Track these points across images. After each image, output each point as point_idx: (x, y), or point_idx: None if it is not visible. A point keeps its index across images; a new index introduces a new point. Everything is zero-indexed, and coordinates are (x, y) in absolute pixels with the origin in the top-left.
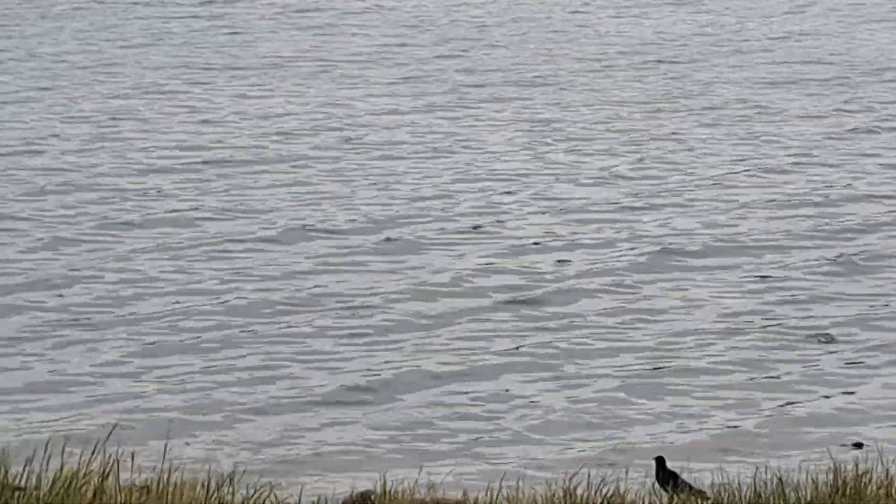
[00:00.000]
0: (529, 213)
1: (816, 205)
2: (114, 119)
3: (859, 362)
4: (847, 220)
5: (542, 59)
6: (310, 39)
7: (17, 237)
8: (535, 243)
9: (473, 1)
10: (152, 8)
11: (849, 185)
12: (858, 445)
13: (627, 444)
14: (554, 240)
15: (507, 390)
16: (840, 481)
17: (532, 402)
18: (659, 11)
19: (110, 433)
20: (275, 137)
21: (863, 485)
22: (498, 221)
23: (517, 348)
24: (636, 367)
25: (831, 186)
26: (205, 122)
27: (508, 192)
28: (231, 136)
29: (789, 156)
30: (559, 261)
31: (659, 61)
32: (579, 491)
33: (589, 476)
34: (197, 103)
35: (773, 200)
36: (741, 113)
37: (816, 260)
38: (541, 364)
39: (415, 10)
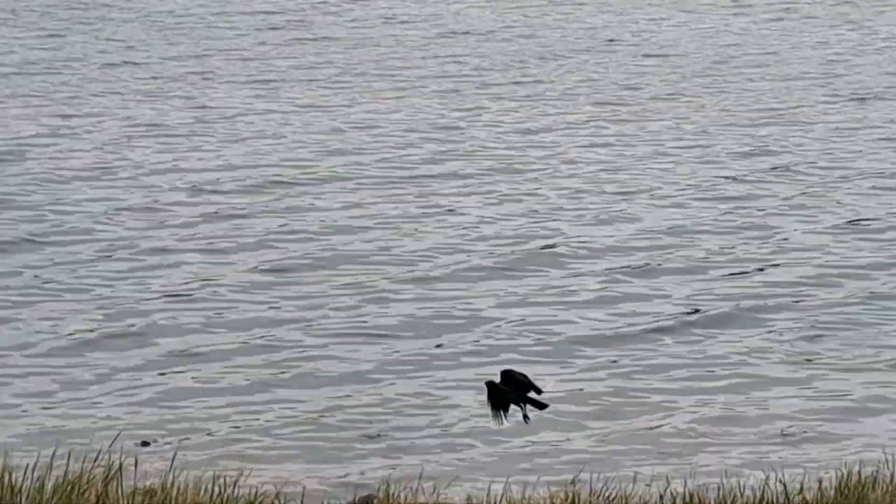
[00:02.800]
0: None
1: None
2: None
3: (865, 365)
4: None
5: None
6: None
7: (43, 235)
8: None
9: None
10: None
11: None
12: None
13: (631, 448)
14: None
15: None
16: (844, 486)
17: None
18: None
19: (115, 438)
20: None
21: (868, 489)
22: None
23: (516, 358)
24: (638, 372)
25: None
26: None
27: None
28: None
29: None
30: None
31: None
32: (582, 495)
33: (592, 479)
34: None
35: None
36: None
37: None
38: (542, 369)
39: (459, 17)
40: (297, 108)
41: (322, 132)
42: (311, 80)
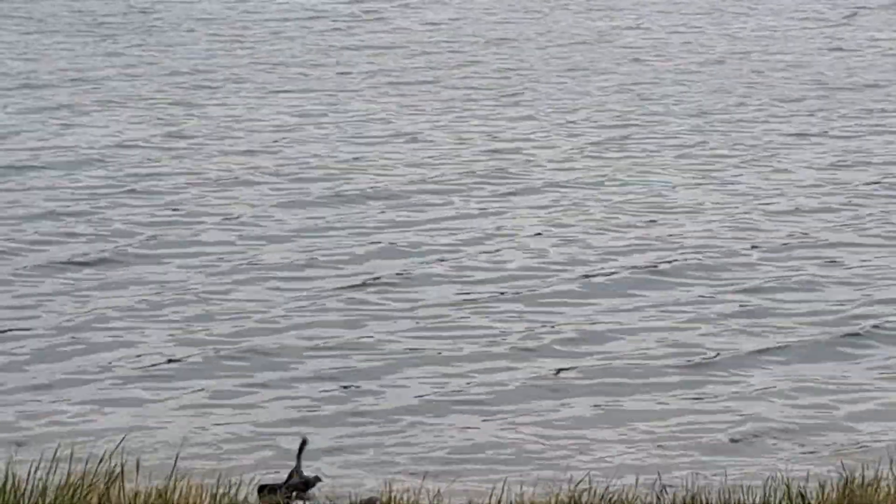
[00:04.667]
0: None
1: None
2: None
3: (870, 366)
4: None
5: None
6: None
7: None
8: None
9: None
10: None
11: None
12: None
13: (633, 451)
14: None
15: (511, 397)
16: (848, 489)
17: (537, 408)
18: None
19: (119, 444)
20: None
21: (871, 491)
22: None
23: (521, 360)
24: (641, 374)
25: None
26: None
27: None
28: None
29: None
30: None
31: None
32: (584, 498)
33: (592, 480)
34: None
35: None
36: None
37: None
38: (544, 373)
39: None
40: (348, 119)
41: (369, 143)
42: (339, 89)
